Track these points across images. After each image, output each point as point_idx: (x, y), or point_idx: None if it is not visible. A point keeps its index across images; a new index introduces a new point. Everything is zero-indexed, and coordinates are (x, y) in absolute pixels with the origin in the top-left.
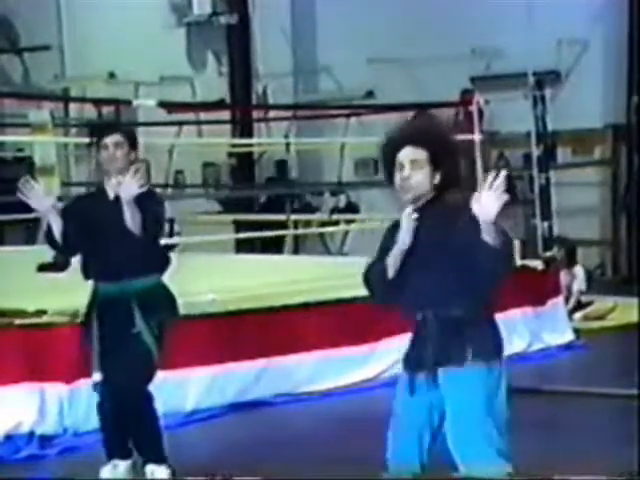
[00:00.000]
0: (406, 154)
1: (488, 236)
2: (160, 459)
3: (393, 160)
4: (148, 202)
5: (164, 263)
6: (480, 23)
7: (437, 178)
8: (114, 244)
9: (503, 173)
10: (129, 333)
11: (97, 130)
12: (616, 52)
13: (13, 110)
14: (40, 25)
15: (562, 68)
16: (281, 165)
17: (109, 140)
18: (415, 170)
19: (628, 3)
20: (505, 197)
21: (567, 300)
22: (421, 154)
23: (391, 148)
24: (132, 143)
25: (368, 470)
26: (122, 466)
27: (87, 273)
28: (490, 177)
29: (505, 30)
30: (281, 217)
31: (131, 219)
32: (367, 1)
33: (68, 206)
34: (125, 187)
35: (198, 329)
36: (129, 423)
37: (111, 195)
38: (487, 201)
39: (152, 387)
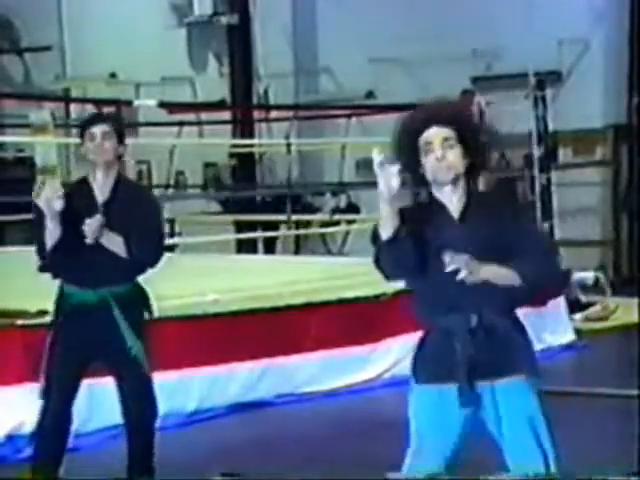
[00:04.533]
0: (436, 133)
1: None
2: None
3: (416, 144)
4: (138, 213)
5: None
6: (481, 23)
7: (466, 161)
8: (96, 249)
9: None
10: (115, 344)
11: (84, 121)
12: (617, 52)
13: (14, 110)
14: (41, 25)
15: (563, 68)
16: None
17: (97, 129)
18: (447, 150)
19: (629, 3)
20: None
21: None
22: (450, 133)
23: (415, 130)
24: (120, 136)
25: (370, 470)
26: None
27: (60, 274)
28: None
29: (506, 30)
30: (282, 217)
31: (110, 245)
32: (368, 2)
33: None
34: (88, 229)
35: (200, 329)
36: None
37: (99, 191)
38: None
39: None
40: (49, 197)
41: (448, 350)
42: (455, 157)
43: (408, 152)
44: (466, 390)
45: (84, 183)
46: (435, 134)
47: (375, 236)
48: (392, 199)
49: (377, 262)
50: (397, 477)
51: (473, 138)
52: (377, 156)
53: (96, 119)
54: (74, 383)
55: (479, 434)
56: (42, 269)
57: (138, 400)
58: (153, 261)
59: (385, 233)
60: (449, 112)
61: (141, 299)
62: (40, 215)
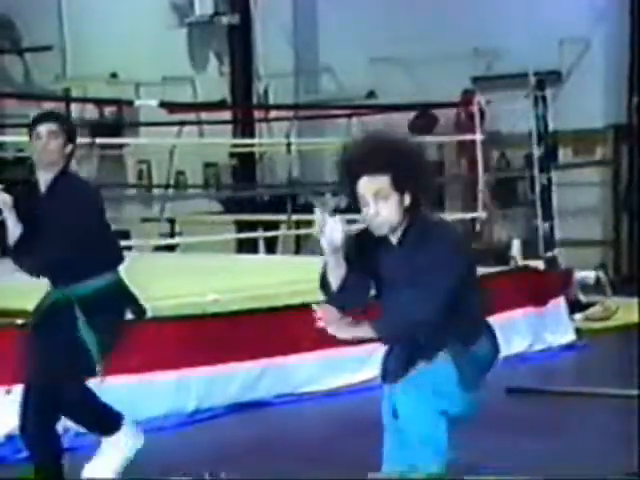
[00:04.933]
0: (367, 185)
1: None
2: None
3: (354, 187)
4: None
5: (112, 261)
6: (482, 23)
7: (404, 205)
8: (48, 245)
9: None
10: (68, 338)
11: (32, 119)
12: (617, 52)
13: (14, 110)
14: (41, 25)
15: (563, 68)
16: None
17: (43, 128)
18: (380, 203)
19: (630, 3)
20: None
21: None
22: (383, 182)
23: (350, 175)
24: (70, 136)
25: (368, 470)
26: None
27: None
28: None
29: (506, 30)
30: (282, 217)
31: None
32: (368, 1)
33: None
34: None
35: (199, 329)
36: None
37: (42, 189)
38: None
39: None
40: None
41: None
42: (390, 210)
43: (350, 193)
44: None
45: (34, 185)
46: (366, 187)
47: (323, 281)
48: (335, 251)
49: (329, 302)
50: (378, 477)
51: (411, 182)
52: (318, 211)
53: (43, 118)
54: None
55: None
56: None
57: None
58: (58, 258)
59: (334, 283)
60: (382, 158)
61: (115, 298)
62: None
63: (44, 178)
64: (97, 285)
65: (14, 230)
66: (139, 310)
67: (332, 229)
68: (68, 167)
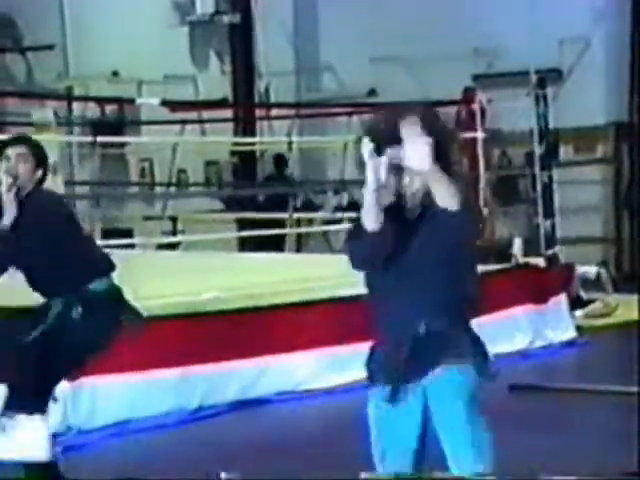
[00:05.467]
0: (405, 124)
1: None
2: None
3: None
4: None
5: (101, 269)
6: (482, 21)
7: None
8: (34, 261)
9: None
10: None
11: (3, 141)
12: (618, 50)
13: (16, 109)
14: (43, 24)
15: (564, 66)
16: (279, 160)
17: (11, 151)
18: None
19: (631, 1)
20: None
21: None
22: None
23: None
24: (40, 160)
25: (369, 467)
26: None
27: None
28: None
29: (507, 28)
30: (284, 215)
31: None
32: (369, 0)
33: None
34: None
35: (201, 327)
36: None
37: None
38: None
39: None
40: None
41: (396, 353)
42: (424, 146)
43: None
44: (400, 390)
45: None
46: (405, 127)
47: (355, 231)
48: (379, 189)
49: (351, 249)
50: (370, 477)
51: (437, 124)
52: (367, 145)
53: (13, 141)
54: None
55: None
56: None
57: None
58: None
59: (369, 224)
60: (413, 109)
61: (109, 303)
62: None
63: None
64: (92, 290)
65: None
66: (134, 316)
67: (378, 165)
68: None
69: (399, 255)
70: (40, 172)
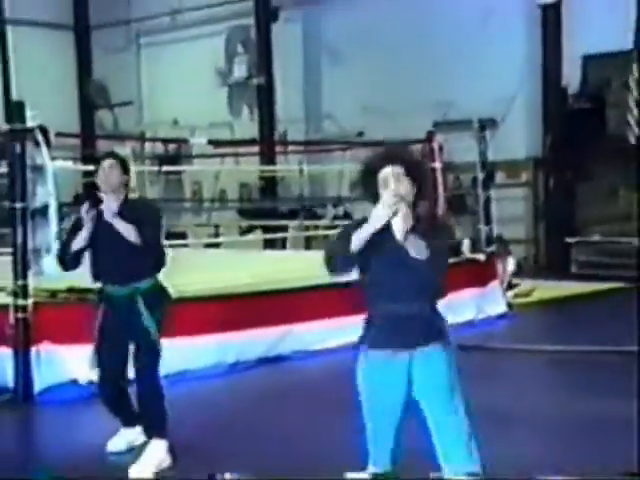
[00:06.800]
0: (388, 171)
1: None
2: (160, 435)
3: (375, 180)
4: (143, 212)
5: (161, 264)
6: (441, 84)
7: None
8: (116, 255)
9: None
10: (136, 325)
11: (99, 157)
12: (535, 105)
13: (106, 148)
14: (125, 87)
15: (498, 116)
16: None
17: (105, 163)
18: (398, 182)
19: (541, 71)
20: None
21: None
22: (400, 169)
23: (374, 168)
24: (124, 168)
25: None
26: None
27: (96, 278)
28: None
29: (459, 89)
30: (296, 222)
31: (125, 231)
32: (361, 67)
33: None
34: (105, 206)
35: (237, 304)
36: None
37: (106, 211)
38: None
39: (207, 346)
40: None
41: (393, 325)
42: (406, 189)
43: (371, 187)
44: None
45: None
46: (388, 172)
47: (342, 239)
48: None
49: (330, 260)
50: (356, 477)
51: (417, 171)
52: (384, 211)
53: (105, 156)
54: (119, 351)
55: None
56: (61, 264)
57: (142, 360)
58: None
59: (356, 246)
60: (398, 154)
61: (159, 292)
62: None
63: (108, 202)
64: (150, 283)
65: (80, 241)
66: (169, 298)
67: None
68: (127, 193)
69: (386, 258)
70: (125, 177)
